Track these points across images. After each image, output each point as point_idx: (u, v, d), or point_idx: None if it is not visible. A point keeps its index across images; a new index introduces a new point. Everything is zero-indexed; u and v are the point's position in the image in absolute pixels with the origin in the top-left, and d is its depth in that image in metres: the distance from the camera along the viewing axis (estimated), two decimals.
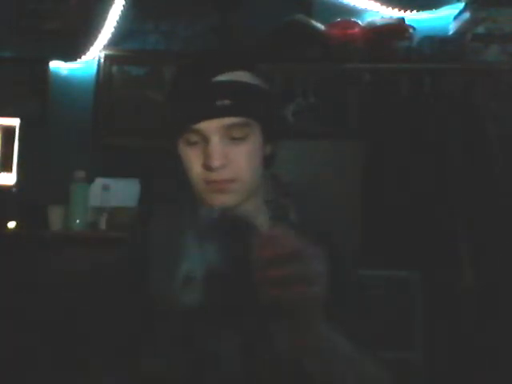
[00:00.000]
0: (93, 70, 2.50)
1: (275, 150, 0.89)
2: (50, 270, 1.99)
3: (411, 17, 2.37)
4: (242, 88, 0.82)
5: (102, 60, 2.47)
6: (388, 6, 2.39)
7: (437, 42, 2.23)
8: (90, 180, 2.24)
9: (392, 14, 2.38)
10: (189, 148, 0.83)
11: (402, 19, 2.32)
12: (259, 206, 0.88)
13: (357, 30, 2.29)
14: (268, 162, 0.88)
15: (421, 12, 2.38)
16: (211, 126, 0.80)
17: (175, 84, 0.87)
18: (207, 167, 0.80)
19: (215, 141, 0.80)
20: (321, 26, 2.29)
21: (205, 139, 0.81)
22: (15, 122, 2.36)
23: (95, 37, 2.45)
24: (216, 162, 0.79)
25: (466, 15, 2.21)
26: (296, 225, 0.85)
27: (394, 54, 2.24)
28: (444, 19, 2.36)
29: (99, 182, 2.24)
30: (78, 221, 2.18)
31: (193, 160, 0.82)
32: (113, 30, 2.46)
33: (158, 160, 0.92)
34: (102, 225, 2.17)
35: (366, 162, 2.12)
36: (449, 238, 2.01)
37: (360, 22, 2.32)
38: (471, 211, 2.01)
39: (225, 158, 0.80)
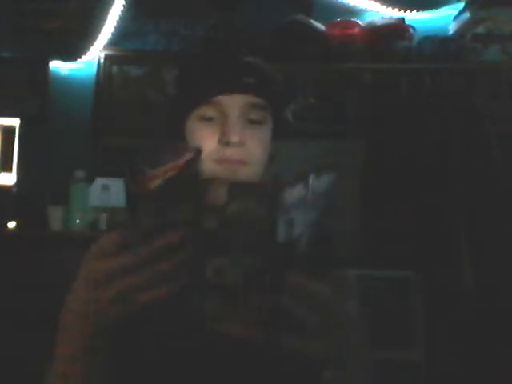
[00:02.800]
0: (93, 70, 2.49)
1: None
2: (50, 270, 1.99)
3: (411, 17, 2.37)
4: (267, 72, 0.84)
5: (102, 60, 2.47)
6: (388, 6, 2.39)
7: (437, 42, 2.23)
8: (89, 180, 2.24)
9: (392, 13, 2.38)
10: (203, 123, 0.79)
11: (402, 19, 2.32)
12: None
13: (357, 30, 2.29)
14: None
15: (421, 12, 2.38)
16: (234, 101, 0.78)
17: (203, 57, 0.88)
18: (224, 142, 0.76)
19: (235, 116, 0.77)
20: (321, 26, 2.29)
21: (223, 114, 0.78)
22: (15, 121, 2.36)
23: (95, 37, 2.45)
24: (235, 137, 0.76)
25: (466, 15, 2.21)
26: None
27: (394, 53, 2.24)
28: (444, 19, 2.36)
29: (99, 182, 2.23)
30: (77, 221, 2.18)
31: (206, 136, 0.78)
32: (113, 29, 2.45)
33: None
34: (102, 225, 2.17)
35: (365, 162, 2.12)
36: (449, 237, 2.00)
37: (360, 22, 2.32)
38: (471, 211, 2.01)
39: (243, 136, 0.77)
